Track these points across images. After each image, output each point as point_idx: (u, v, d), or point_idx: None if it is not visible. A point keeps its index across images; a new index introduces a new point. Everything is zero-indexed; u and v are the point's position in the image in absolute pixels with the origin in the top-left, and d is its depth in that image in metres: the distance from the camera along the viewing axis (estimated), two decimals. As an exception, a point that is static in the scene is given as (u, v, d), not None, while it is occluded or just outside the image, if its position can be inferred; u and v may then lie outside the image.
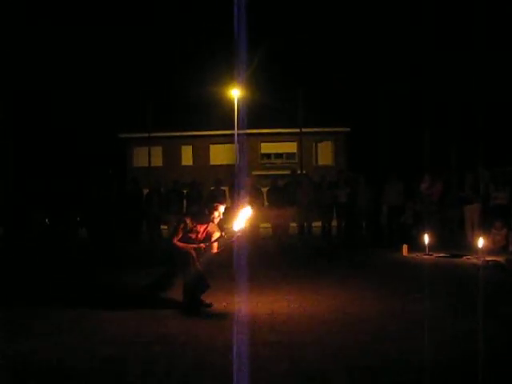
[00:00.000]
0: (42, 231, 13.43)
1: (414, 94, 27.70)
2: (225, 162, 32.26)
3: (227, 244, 6.41)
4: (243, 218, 6.26)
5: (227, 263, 6.79)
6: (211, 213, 6.36)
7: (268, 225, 14.39)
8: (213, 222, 6.40)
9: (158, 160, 34.64)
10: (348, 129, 35.58)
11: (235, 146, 31.73)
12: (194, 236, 6.36)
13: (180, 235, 6.31)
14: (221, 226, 6.55)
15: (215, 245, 6.36)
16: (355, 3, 35.07)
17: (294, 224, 14.48)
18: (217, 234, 6.37)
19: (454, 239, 12.36)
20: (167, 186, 15.80)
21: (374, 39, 33.10)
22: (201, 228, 6.41)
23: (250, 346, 4.48)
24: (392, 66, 32.26)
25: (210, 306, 6.12)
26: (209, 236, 6.40)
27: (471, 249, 10.27)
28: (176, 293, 6.26)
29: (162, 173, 27.39)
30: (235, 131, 31.10)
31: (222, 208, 6.42)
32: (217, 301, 6.27)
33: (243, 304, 6.21)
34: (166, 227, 13.79)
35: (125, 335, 4.98)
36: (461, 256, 10.16)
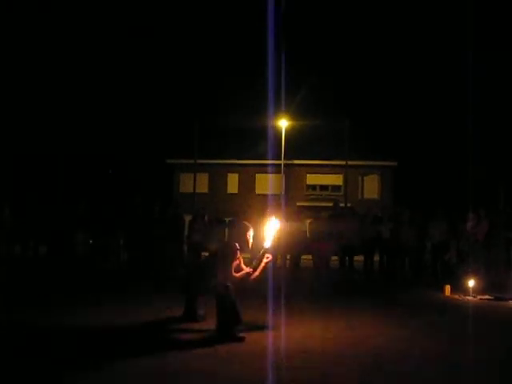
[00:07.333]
0: (85, 252, 13.63)
1: (462, 130, 27.29)
2: (270, 192, 32.32)
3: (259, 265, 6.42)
4: (271, 233, 6.31)
5: (262, 292, 6.71)
6: (246, 239, 6.44)
7: (309, 256, 14.24)
8: (248, 245, 6.46)
9: (203, 187, 34.96)
10: (395, 163, 35.27)
11: (281, 175, 31.88)
12: (237, 263, 6.40)
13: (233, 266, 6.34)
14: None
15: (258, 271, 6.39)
16: (404, 39, 35.06)
17: (335, 257, 14.30)
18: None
19: (500, 281, 11.94)
20: (211, 213, 15.81)
21: (424, 72, 32.88)
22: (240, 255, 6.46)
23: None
24: (439, 102, 31.94)
25: (241, 339, 5.93)
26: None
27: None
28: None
29: (207, 200, 27.65)
30: (282, 161, 31.25)
31: (251, 231, 6.50)
32: (247, 332, 6.18)
33: (275, 338, 6.09)
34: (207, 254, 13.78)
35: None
36: (507, 299, 9.80)
